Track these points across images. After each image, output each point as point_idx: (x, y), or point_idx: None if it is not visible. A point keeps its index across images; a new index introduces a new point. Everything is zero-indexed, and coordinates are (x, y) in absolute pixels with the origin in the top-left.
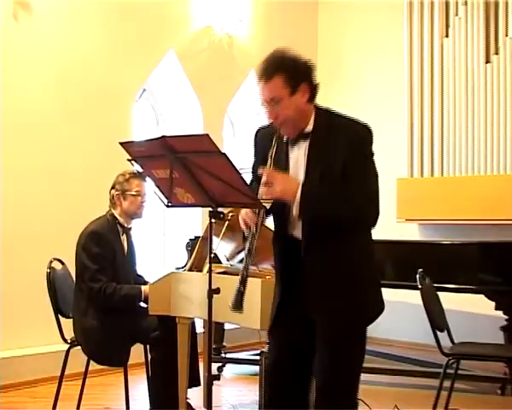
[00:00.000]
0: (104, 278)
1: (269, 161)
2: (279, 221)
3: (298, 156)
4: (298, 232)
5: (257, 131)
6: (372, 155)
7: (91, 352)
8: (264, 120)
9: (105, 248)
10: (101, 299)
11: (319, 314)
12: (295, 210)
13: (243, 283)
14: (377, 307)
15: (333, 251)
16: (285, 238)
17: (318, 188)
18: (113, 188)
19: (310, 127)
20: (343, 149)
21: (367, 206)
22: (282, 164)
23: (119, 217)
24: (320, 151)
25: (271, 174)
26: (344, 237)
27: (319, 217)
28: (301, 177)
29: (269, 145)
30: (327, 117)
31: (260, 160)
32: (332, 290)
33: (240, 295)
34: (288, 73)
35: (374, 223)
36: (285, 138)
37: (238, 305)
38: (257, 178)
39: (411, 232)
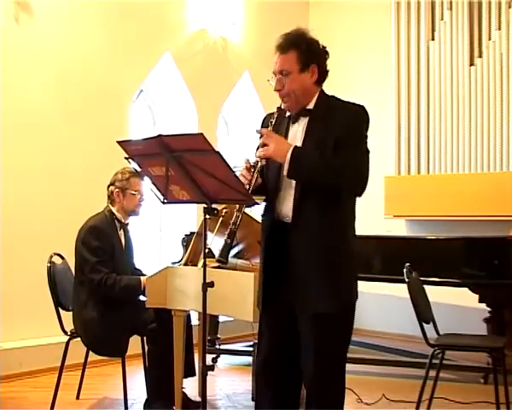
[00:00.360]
0: (105, 270)
1: (269, 127)
2: (270, 196)
3: (296, 131)
4: (286, 209)
5: (264, 117)
6: (366, 136)
7: (91, 343)
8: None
9: (104, 241)
10: (102, 290)
11: (301, 301)
12: (285, 169)
13: (231, 235)
14: (354, 294)
15: (317, 234)
16: (273, 222)
17: (307, 150)
18: (112, 185)
19: (311, 105)
20: (338, 127)
21: (354, 176)
22: (282, 136)
23: (116, 213)
24: (317, 127)
25: (268, 135)
26: (329, 221)
27: (307, 177)
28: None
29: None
30: (328, 99)
31: None
32: (314, 275)
33: (226, 246)
34: (302, 51)
35: (360, 194)
36: (287, 114)
37: (224, 255)
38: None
39: (399, 228)
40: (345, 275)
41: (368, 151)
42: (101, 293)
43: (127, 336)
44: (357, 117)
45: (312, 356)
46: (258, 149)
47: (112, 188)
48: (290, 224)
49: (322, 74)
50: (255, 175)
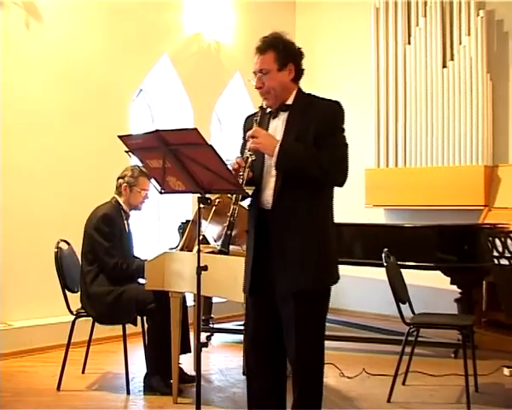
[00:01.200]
0: (117, 254)
1: (254, 124)
2: (256, 190)
3: (277, 126)
4: (267, 196)
5: (246, 119)
6: (343, 129)
7: (99, 315)
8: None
9: (115, 228)
10: (118, 273)
11: (281, 281)
12: (273, 161)
13: (230, 227)
14: (335, 274)
15: (295, 219)
16: (257, 210)
17: (294, 143)
18: (121, 178)
19: (290, 101)
20: (317, 121)
21: (335, 169)
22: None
23: (122, 204)
24: (296, 120)
25: (257, 130)
26: (309, 207)
27: (294, 168)
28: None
29: (251, 125)
30: (306, 95)
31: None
32: (293, 257)
33: (227, 237)
34: (280, 51)
35: (342, 184)
36: (268, 110)
37: (225, 245)
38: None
39: (378, 216)
40: (322, 257)
41: (347, 144)
42: (117, 275)
43: (133, 306)
44: (333, 112)
45: (294, 333)
46: (246, 145)
47: (121, 181)
48: (270, 210)
49: (299, 72)
50: (246, 170)
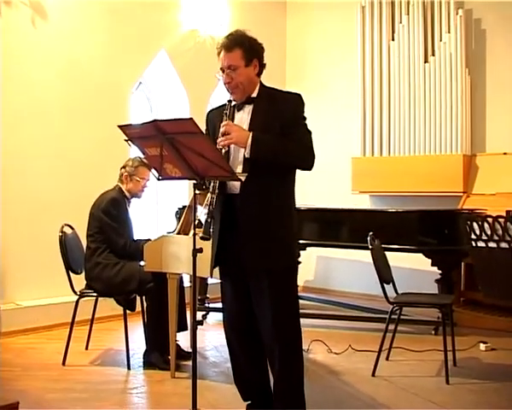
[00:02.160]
0: (125, 234)
1: (224, 118)
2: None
3: (242, 117)
4: (235, 186)
5: (208, 112)
6: (305, 118)
7: (105, 285)
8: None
9: (121, 211)
10: (127, 253)
11: (247, 254)
12: (247, 152)
13: (210, 214)
14: (294, 254)
15: (263, 199)
16: (225, 195)
17: (264, 134)
18: (123, 167)
19: (254, 94)
20: (282, 112)
21: (303, 152)
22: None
23: (125, 191)
24: (262, 112)
25: (229, 125)
26: (275, 192)
27: (267, 156)
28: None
29: (219, 118)
30: (268, 89)
31: (211, 131)
32: (259, 239)
33: (207, 225)
34: (246, 48)
35: (310, 168)
36: (233, 103)
37: (207, 232)
38: None
39: (364, 202)
40: (288, 238)
41: (310, 132)
42: (123, 253)
43: (136, 276)
44: (296, 104)
45: (269, 309)
46: (219, 138)
47: (123, 170)
48: (238, 194)
49: (262, 67)
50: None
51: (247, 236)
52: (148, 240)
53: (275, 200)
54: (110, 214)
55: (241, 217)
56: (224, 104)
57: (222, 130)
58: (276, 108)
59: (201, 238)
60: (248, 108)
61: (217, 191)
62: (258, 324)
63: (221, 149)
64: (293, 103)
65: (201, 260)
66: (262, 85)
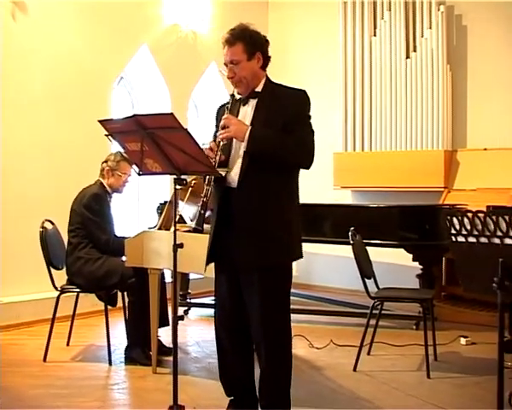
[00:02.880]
0: (107, 230)
1: (226, 112)
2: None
3: (246, 111)
4: (233, 175)
5: (219, 108)
6: (309, 116)
7: (87, 280)
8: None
9: (103, 206)
10: (110, 248)
11: (247, 254)
12: (244, 146)
13: (203, 206)
14: (297, 252)
15: (259, 198)
16: (222, 188)
17: (263, 129)
18: (105, 162)
19: (259, 88)
20: (285, 109)
21: (302, 152)
22: (234, 116)
23: (106, 186)
24: (265, 107)
25: (228, 119)
26: (274, 188)
27: (263, 152)
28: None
29: (225, 112)
30: (274, 83)
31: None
32: (255, 235)
33: (201, 217)
34: (248, 42)
35: (308, 167)
36: (238, 97)
37: (200, 224)
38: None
39: (345, 197)
40: (284, 236)
41: (313, 130)
42: (107, 250)
43: (119, 271)
44: (301, 100)
45: (258, 306)
46: (218, 131)
47: (104, 165)
48: (236, 188)
49: (266, 60)
50: (218, 153)
51: (241, 232)
52: None
53: (273, 198)
54: (92, 209)
55: (236, 212)
56: (232, 96)
57: (221, 123)
58: (280, 103)
59: (194, 230)
60: (253, 103)
61: (212, 183)
62: (249, 320)
63: (219, 141)
64: (296, 100)
65: (182, 256)
66: (268, 80)
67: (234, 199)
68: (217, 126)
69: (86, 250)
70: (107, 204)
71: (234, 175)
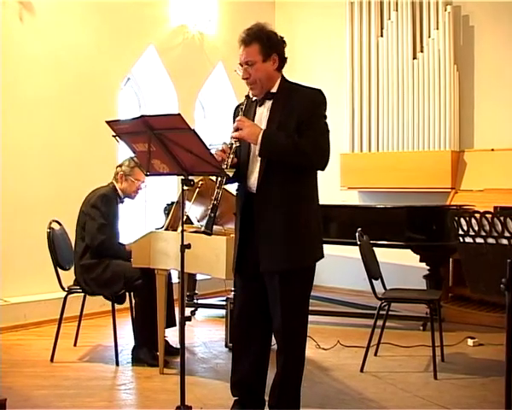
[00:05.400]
0: (107, 232)
1: (240, 113)
2: (242, 174)
3: (262, 113)
4: (252, 180)
5: (236, 107)
6: (325, 116)
7: (91, 285)
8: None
9: (110, 209)
10: (100, 250)
11: (267, 262)
12: (257, 149)
13: (214, 209)
14: (317, 254)
15: (280, 200)
16: (244, 192)
17: (276, 131)
18: (120, 166)
19: (274, 89)
20: (299, 109)
21: (316, 155)
22: (250, 118)
23: (119, 190)
24: (280, 108)
25: (241, 121)
26: (292, 191)
27: (276, 155)
28: (262, 126)
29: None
30: (289, 84)
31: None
32: (276, 239)
33: (210, 219)
34: (264, 43)
35: (323, 168)
36: (253, 99)
37: (209, 227)
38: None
39: (352, 198)
40: (304, 239)
41: (328, 130)
42: (98, 251)
43: (122, 275)
44: (316, 99)
45: (279, 307)
46: (233, 132)
47: (118, 169)
48: (255, 194)
49: (282, 61)
50: (231, 155)
51: (262, 237)
52: None
53: (292, 201)
54: (98, 210)
55: (256, 217)
56: (247, 97)
57: (235, 125)
58: (294, 103)
59: (203, 233)
60: (268, 104)
61: (222, 185)
62: (271, 316)
63: (232, 143)
64: (311, 99)
65: (189, 256)
66: (283, 80)
67: (254, 204)
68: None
69: (88, 255)
70: (115, 207)
71: (253, 180)
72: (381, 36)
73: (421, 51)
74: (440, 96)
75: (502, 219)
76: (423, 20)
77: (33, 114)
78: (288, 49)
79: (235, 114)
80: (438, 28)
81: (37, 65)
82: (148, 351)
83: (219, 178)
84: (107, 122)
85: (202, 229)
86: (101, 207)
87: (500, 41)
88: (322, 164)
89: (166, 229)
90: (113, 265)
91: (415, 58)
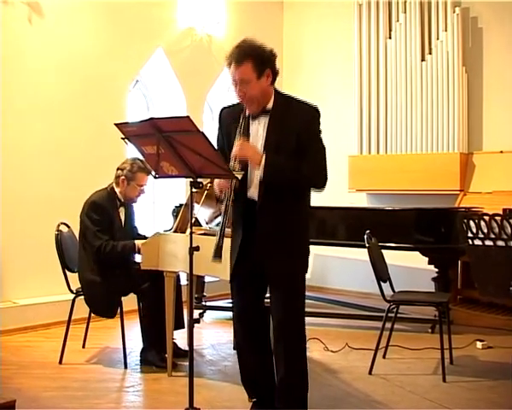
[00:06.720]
0: (104, 237)
1: (237, 135)
2: (241, 185)
3: (258, 129)
4: (253, 192)
5: (221, 110)
6: (320, 131)
7: (89, 301)
8: (231, 99)
9: (102, 215)
10: (102, 255)
11: (269, 261)
12: (260, 174)
13: (221, 238)
14: (307, 258)
15: (281, 212)
16: (244, 200)
17: (277, 158)
18: (120, 169)
19: (270, 105)
20: (296, 126)
21: (315, 175)
22: (244, 135)
23: (118, 193)
24: (277, 126)
25: (243, 149)
26: (290, 203)
27: (279, 180)
28: (259, 146)
29: (231, 121)
30: (284, 98)
31: (224, 133)
32: (280, 242)
33: (219, 248)
34: (257, 59)
35: (323, 187)
36: (246, 114)
37: (218, 255)
38: (220, 149)
39: (360, 200)
40: (302, 245)
41: (324, 147)
42: (100, 258)
43: (120, 298)
44: (312, 118)
45: (282, 307)
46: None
47: (119, 173)
48: (257, 205)
49: (275, 75)
50: (233, 185)
51: (266, 244)
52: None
53: (292, 213)
54: (91, 218)
55: (259, 225)
56: (237, 104)
57: (235, 151)
58: (291, 124)
59: (213, 261)
60: (264, 120)
61: (232, 198)
62: (268, 324)
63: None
64: (308, 117)
65: (198, 259)
66: (278, 94)
67: (256, 213)
68: (220, 129)
69: (90, 268)
70: (109, 213)
71: (254, 189)
72: (390, 38)
73: (430, 53)
74: (449, 98)
75: (511, 221)
76: (432, 22)
77: (43, 116)
78: (296, 49)
79: (223, 119)
80: (446, 30)
81: (46, 67)
82: (156, 353)
83: (227, 191)
84: (116, 125)
85: (212, 258)
86: (93, 216)
87: (509, 43)
88: (322, 184)
89: (175, 231)
90: (117, 284)
91: (423, 60)
